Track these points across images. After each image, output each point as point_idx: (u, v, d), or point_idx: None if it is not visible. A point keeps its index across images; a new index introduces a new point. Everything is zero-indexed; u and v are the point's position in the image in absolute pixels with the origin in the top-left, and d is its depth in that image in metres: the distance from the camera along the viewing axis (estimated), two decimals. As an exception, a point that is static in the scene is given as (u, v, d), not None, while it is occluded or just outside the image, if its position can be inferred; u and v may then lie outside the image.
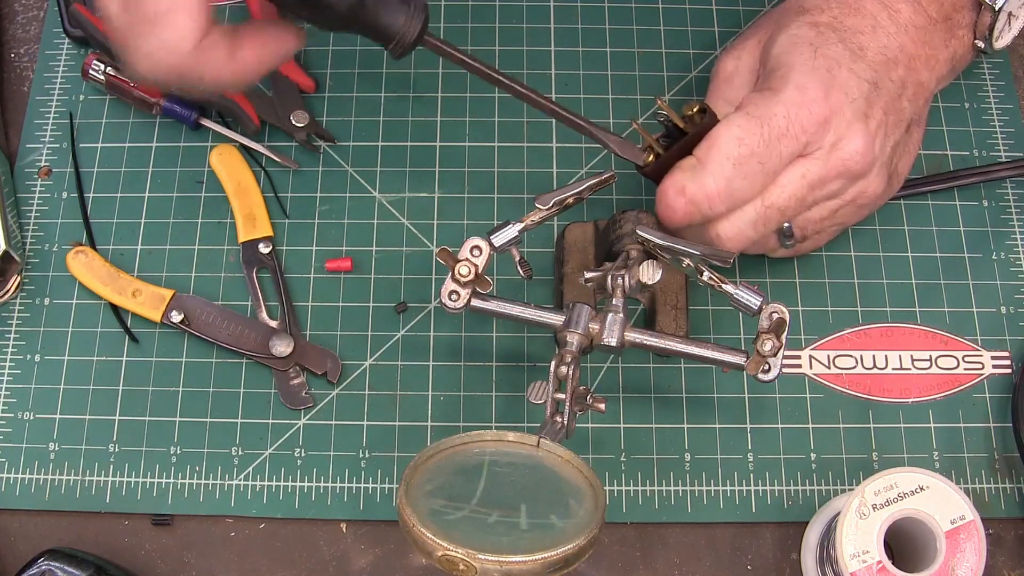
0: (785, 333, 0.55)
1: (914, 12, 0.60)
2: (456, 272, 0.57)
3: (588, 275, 0.59)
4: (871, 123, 0.57)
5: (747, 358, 0.56)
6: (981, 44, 0.62)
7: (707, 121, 0.57)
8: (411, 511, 0.48)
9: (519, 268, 0.58)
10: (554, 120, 0.60)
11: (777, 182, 0.57)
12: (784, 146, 0.56)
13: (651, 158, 0.59)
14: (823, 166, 0.57)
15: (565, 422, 0.54)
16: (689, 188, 0.56)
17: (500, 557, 0.46)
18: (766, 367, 0.55)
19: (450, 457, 0.52)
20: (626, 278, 0.57)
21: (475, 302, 0.57)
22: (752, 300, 0.56)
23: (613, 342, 0.56)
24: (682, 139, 0.57)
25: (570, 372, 0.55)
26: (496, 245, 0.57)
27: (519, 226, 0.57)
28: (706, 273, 0.56)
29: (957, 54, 0.62)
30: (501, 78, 0.58)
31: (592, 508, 0.50)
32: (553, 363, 0.55)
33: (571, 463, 0.52)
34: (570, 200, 0.58)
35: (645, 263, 0.57)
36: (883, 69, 0.58)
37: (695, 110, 0.57)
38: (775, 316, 0.55)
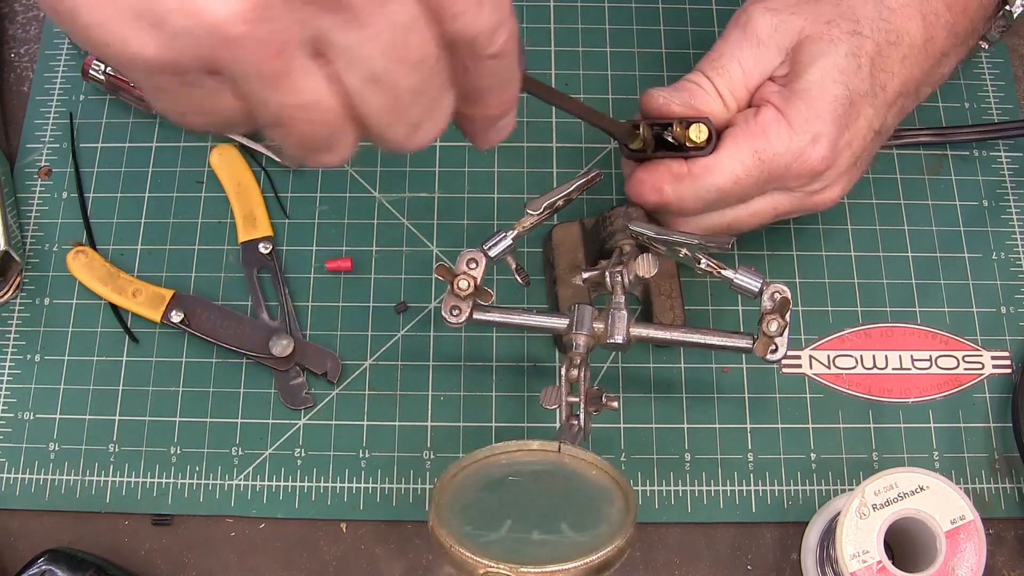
0: (788, 312, 0.55)
1: (946, 38, 0.58)
2: (455, 287, 0.56)
3: (585, 275, 0.58)
4: (855, 172, 0.58)
5: (753, 341, 0.56)
6: (984, 44, 0.63)
7: (709, 151, 0.56)
8: (446, 532, 0.47)
9: (516, 276, 0.58)
10: (554, 120, 0.59)
11: (747, 204, 0.58)
12: (772, 186, 0.57)
13: (640, 145, 0.57)
14: (796, 204, 0.58)
15: (582, 424, 0.54)
16: (667, 192, 0.56)
17: (542, 568, 0.46)
18: (773, 347, 0.55)
19: (476, 472, 0.51)
20: (624, 274, 0.57)
21: (477, 315, 0.57)
22: (752, 283, 0.55)
23: (620, 339, 0.56)
24: (678, 151, 0.56)
25: (581, 374, 0.55)
26: (491, 256, 0.56)
27: (512, 234, 0.57)
28: (704, 261, 0.56)
29: (944, 77, 0.62)
30: None
31: (623, 508, 0.49)
32: (563, 367, 0.55)
33: (596, 465, 0.51)
34: (560, 203, 0.57)
35: (641, 257, 0.57)
36: (889, 109, 0.58)
37: (704, 137, 0.55)
38: (777, 296, 0.55)
